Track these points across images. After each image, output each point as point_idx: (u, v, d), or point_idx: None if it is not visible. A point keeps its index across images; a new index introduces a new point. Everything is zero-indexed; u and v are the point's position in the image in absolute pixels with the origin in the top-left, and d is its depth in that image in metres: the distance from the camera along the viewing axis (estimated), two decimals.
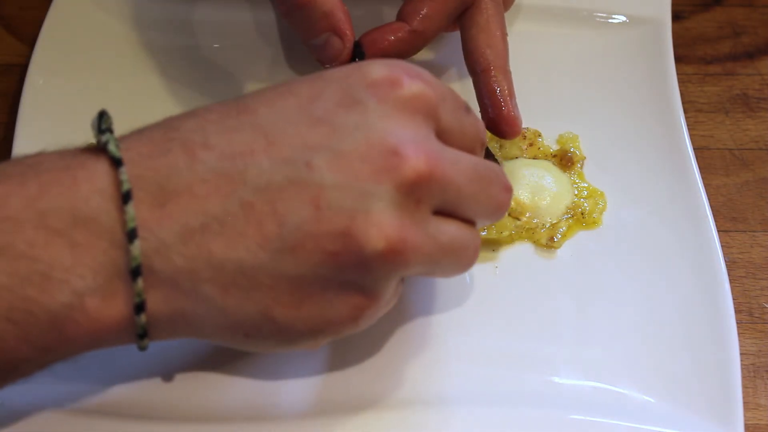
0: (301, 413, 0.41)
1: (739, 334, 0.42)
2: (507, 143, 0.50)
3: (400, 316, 0.44)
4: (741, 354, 0.41)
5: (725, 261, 0.44)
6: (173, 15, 0.56)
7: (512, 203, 0.47)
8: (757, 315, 0.46)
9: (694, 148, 0.48)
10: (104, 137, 0.31)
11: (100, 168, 0.31)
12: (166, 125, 0.33)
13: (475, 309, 0.44)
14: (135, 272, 0.30)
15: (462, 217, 0.35)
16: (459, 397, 0.41)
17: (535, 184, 0.48)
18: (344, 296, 0.32)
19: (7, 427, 0.40)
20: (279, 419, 0.41)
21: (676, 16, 0.58)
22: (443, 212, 0.34)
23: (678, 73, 0.52)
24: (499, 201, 0.36)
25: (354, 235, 0.30)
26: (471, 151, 0.36)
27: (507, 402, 0.41)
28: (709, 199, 0.46)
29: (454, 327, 0.44)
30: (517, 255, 0.47)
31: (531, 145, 0.51)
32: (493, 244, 0.47)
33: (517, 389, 0.42)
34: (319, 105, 0.32)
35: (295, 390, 0.42)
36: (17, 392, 0.41)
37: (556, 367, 0.42)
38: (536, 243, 0.47)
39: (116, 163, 0.31)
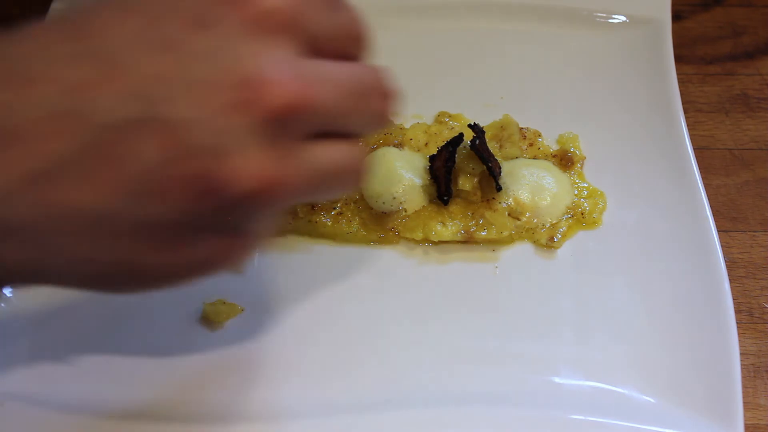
0: (299, 413, 0.41)
1: (739, 334, 0.42)
2: (507, 143, 0.50)
3: (399, 316, 0.44)
4: (741, 354, 0.41)
5: (725, 261, 0.44)
6: None
7: (512, 203, 0.47)
8: (757, 315, 0.46)
9: (694, 148, 0.48)
10: None
11: None
12: (5, 43, 0.29)
13: (475, 309, 0.45)
14: None
15: (341, 133, 0.31)
16: (459, 396, 0.41)
17: (535, 184, 0.48)
18: (208, 240, 0.30)
19: (7, 427, 0.40)
20: (279, 419, 0.41)
21: (676, 16, 0.58)
22: (318, 133, 0.31)
23: (678, 73, 0.52)
24: (380, 111, 0.33)
25: (213, 178, 0.27)
26: (347, 53, 0.32)
27: (507, 402, 0.41)
28: (709, 199, 0.46)
29: (454, 327, 0.44)
30: (517, 255, 0.47)
31: (531, 145, 0.51)
32: (493, 244, 0.47)
33: (517, 389, 0.42)
34: (167, 26, 0.28)
35: (294, 390, 0.42)
36: (17, 392, 0.41)
37: (556, 367, 0.42)
38: (536, 243, 0.47)
39: None
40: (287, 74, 0.28)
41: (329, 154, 0.31)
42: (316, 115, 0.29)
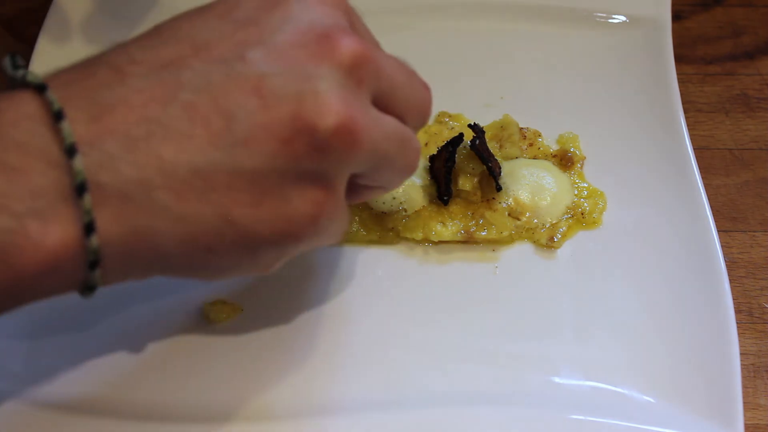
0: (299, 413, 0.41)
1: (739, 334, 0.42)
2: (507, 143, 0.50)
3: (399, 316, 0.44)
4: (741, 354, 0.41)
5: (725, 261, 0.44)
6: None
7: (512, 203, 0.47)
8: (757, 315, 0.46)
9: (694, 148, 0.48)
10: (20, 72, 0.30)
11: (25, 96, 0.29)
12: (86, 59, 0.32)
13: (475, 309, 0.45)
14: (80, 188, 0.28)
15: (395, 112, 0.35)
16: (459, 396, 0.41)
17: (535, 184, 0.48)
18: (302, 189, 0.31)
19: (7, 427, 0.40)
20: (279, 419, 0.41)
21: (676, 16, 0.58)
22: (378, 105, 0.34)
23: (678, 73, 0.52)
24: (424, 95, 0.37)
25: (304, 117, 0.30)
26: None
27: (507, 402, 0.41)
28: (709, 199, 0.46)
29: (454, 327, 0.44)
30: (517, 255, 0.47)
31: (531, 145, 0.51)
32: (493, 244, 0.47)
33: (517, 389, 0.42)
34: (240, 12, 0.32)
35: (293, 390, 0.42)
36: (17, 392, 0.41)
37: (556, 367, 0.42)
38: (536, 243, 0.47)
39: (40, 88, 0.29)
40: (353, 34, 0.32)
41: (395, 122, 0.34)
42: (378, 76, 0.33)
